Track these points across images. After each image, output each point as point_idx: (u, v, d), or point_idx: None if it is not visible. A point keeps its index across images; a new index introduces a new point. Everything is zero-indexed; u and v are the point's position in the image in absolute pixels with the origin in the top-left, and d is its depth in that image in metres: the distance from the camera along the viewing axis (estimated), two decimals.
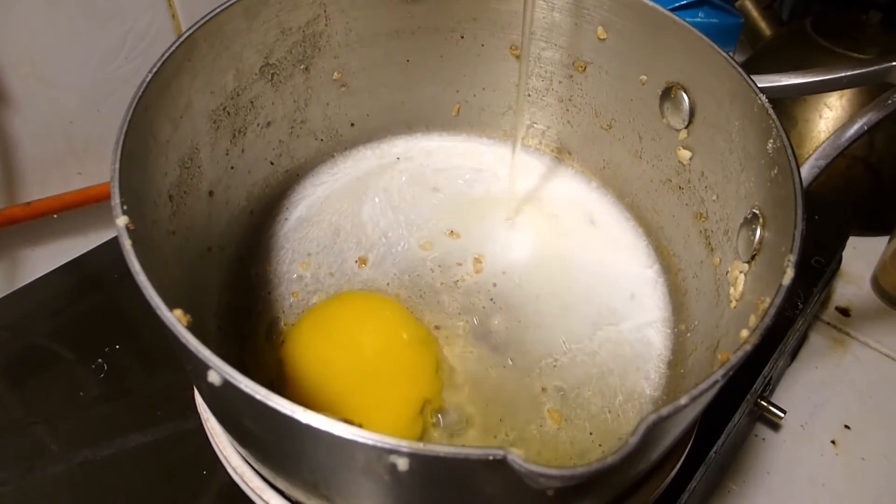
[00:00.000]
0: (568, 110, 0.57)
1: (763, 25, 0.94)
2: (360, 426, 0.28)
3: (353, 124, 0.58)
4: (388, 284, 0.51)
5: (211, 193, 0.48)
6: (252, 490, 0.41)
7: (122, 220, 0.33)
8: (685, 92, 0.48)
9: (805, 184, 0.38)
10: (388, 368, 0.46)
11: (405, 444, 0.27)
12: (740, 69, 0.43)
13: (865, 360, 0.71)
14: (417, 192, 0.57)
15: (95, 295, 0.59)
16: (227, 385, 0.28)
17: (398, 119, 0.59)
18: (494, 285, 0.51)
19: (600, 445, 0.44)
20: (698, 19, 0.78)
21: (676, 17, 0.47)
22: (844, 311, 0.75)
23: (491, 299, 0.51)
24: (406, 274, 0.52)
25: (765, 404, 0.61)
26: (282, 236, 0.53)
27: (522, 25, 0.50)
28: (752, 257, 0.41)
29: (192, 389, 0.48)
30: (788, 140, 0.39)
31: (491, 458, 0.27)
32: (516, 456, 0.27)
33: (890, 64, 0.45)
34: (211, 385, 0.29)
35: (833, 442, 0.65)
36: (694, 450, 0.46)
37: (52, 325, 0.57)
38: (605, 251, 0.54)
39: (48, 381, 0.53)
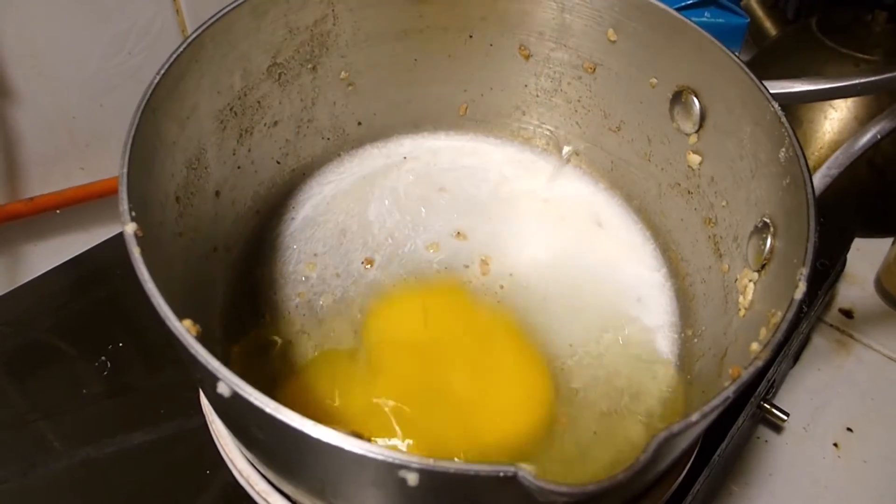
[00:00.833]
0: (576, 111, 0.56)
1: (768, 25, 0.93)
2: (369, 440, 0.28)
3: (359, 123, 0.57)
4: (394, 286, 0.50)
5: (217, 194, 0.47)
6: (258, 493, 0.41)
7: (130, 228, 0.32)
8: (696, 96, 0.47)
9: (817, 193, 0.38)
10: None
11: (415, 460, 0.27)
12: (753, 75, 0.42)
13: (868, 363, 0.71)
14: (424, 193, 0.56)
15: (98, 292, 0.59)
16: (237, 397, 0.28)
17: (405, 118, 0.59)
18: (501, 287, 0.51)
19: (605, 449, 0.44)
20: (704, 19, 0.77)
21: (689, 21, 0.46)
22: (848, 313, 0.75)
23: (498, 301, 0.50)
24: (413, 275, 0.51)
25: (768, 407, 0.62)
26: (288, 236, 0.52)
27: None
28: (763, 266, 0.40)
29: (197, 390, 0.48)
30: (801, 149, 0.39)
31: (501, 474, 0.27)
32: (527, 472, 0.27)
33: None
34: (220, 395, 0.29)
35: (835, 444, 0.65)
36: (698, 454, 0.46)
37: (55, 322, 0.56)
38: (612, 254, 0.54)
39: (51, 378, 0.53)
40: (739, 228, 0.44)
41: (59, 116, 0.64)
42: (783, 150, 0.40)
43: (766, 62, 0.88)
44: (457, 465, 0.27)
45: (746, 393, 0.53)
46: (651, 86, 0.50)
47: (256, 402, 0.28)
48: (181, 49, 0.40)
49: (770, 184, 0.41)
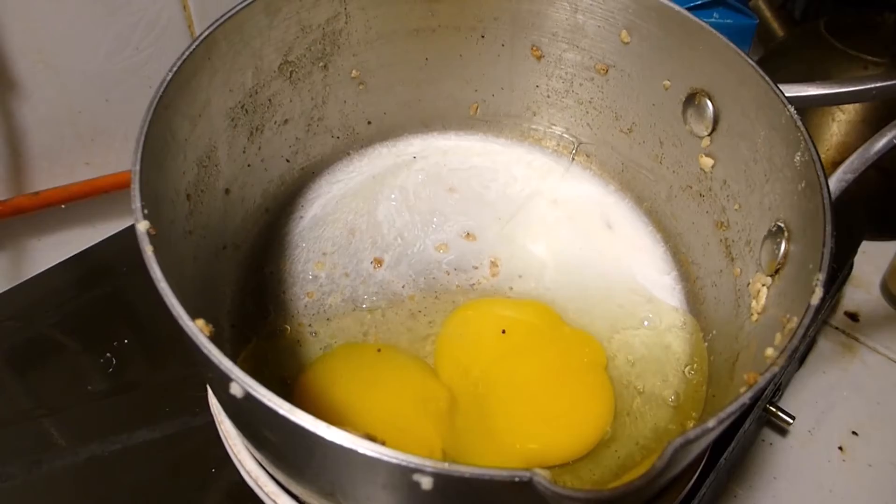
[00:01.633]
0: (588, 112, 0.56)
1: (776, 25, 0.93)
2: (383, 443, 0.28)
3: (369, 122, 0.57)
4: (403, 287, 0.50)
5: (227, 191, 0.47)
6: (266, 494, 0.41)
7: (143, 226, 0.32)
8: (710, 99, 0.47)
9: (833, 198, 0.38)
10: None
11: (430, 464, 0.26)
12: (768, 79, 0.42)
13: (874, 366, 0.71)
14: (433, 192, 0.56)
15: (103, 287, 0.59)
16: (250, 398, 0.28)
17: (415, 117, 0.58)
18: (511, 289, 0.51)
19: (616, 451, 0.44)
20: (713, 20, 0.77)
21: (703, 23, 0.46)
22: (853, 316, 0.75)
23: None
24: (422, 276, 0.51)
25: (774, 410, 0.61)
26: (297, 235, 0.52)
27: None
28: (776, 271, 0.40)
29: (204, 388, 0.48)
30: (818, 154, 0.38)
31: (517, 479, 0.26)
32: (542, 478, 0.26)
33: None
34: (232, 396, 0.29)
35: (840, 448, 0.65)
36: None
37: (60, 318, 0.56)
38: (622, 256, 0.54)
39: (55, 374, 0.53)
40: (752, 232, 0.44)
41: (65, 111, 0.64)
42: (799, 154, 0.39)
43: (773, 63, 0.87)
44: (471, 469, 0.27)
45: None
46: (664, 88, 0.50)
47: (270, 404, 0.28)
48: (194, 46, 0.39)
49: (784, 188, 0.41)
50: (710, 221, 0.49)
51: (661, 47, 0.49)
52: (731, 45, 0.44)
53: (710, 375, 0.46)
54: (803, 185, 0.39)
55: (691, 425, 0.44)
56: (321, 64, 0.51)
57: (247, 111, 0.47)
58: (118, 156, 0.68)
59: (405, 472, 0.27)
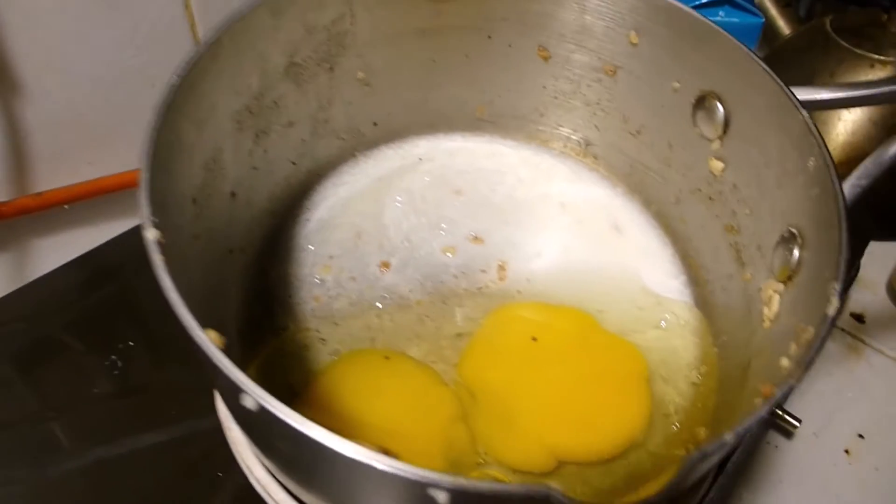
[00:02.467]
0: (595, 114, 0.56)
1: (781, 24, 0.92)
2: (396, 456, 0.27)
3: (375, 124, 0.56)
4: (410, 291, 0.50)
5: (233, 195, 0.47)
6: (276, 502, 0.40)
7: (152, 234, 0.32)
8: (720, 101, 0.47)
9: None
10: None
11: (446, 479, 0.26)
12: (780, 82, 0.42)
13: (880, 368, 0.71)
14: (440, 195, 0.56)
15: (108, 289, 0.58)
16: (263, 410, 0.28)
17: (421, 119, 0.58)
18: (519, 292, 0.51)
19: (626, 457, 0.44)
20: (719, 18, 0.77)
21: (714, 24, 0.45)
22: (859, 318, 0.75)
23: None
24: (429, 280, 0.51)
25: (780, 412, 0.61)
26: (303, 238, 0.52)
27: None
28: (789, 278, 0.40)
29: (210, 392, 0.48)
30: (832, 159, 0.38)
31: (534, 494, 0.26)
32: (559, 492, 0.26)
33: None
34: (243, 407, 0.28)
35: (846, 451, 0.64)
36: None
37: (65, 319, 0.56)
38: (630, 259, 0.53)
39: (61, 377, 0.53)
40: (763, 237, 0.44)
41: (68, 111, 0.63)
42: (812, 158, 0.39)
43: (779, 62, 0.87)
44: (488, 485, 0.27)
45: None
46: (673, 90, 0.50)
47: (283, 417, 0.27)
48: (200, 50, 0.39)
49: (797, 193, 0.41)
50: (720, 225, 0.49)
51: (671, 49, 0.48)
52: (743, 47, 0.44)
53: (720, 381, 0.45)
54: (817, 190, 0.38)
55: (702, 432, 0.44)
56: (327, 66, 0.50)
57: (252, 114, 0.47)
58: (121, 155, 0.67)
59: (421, 488, 0.27)
